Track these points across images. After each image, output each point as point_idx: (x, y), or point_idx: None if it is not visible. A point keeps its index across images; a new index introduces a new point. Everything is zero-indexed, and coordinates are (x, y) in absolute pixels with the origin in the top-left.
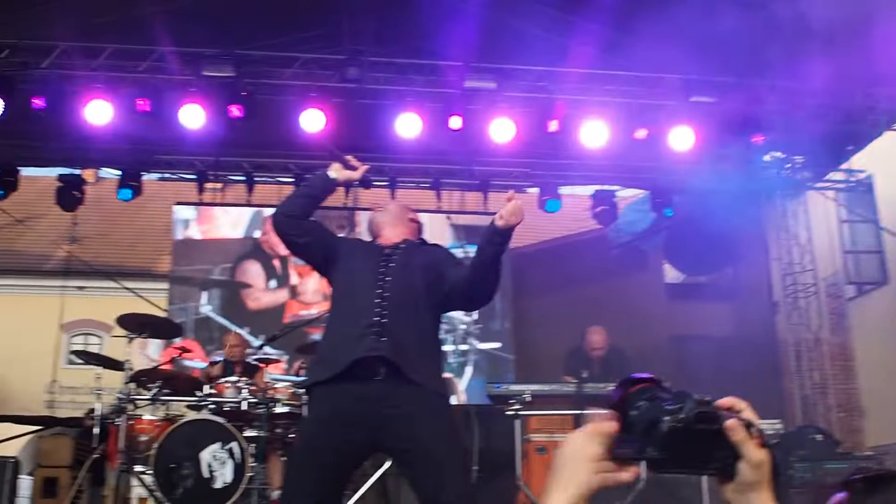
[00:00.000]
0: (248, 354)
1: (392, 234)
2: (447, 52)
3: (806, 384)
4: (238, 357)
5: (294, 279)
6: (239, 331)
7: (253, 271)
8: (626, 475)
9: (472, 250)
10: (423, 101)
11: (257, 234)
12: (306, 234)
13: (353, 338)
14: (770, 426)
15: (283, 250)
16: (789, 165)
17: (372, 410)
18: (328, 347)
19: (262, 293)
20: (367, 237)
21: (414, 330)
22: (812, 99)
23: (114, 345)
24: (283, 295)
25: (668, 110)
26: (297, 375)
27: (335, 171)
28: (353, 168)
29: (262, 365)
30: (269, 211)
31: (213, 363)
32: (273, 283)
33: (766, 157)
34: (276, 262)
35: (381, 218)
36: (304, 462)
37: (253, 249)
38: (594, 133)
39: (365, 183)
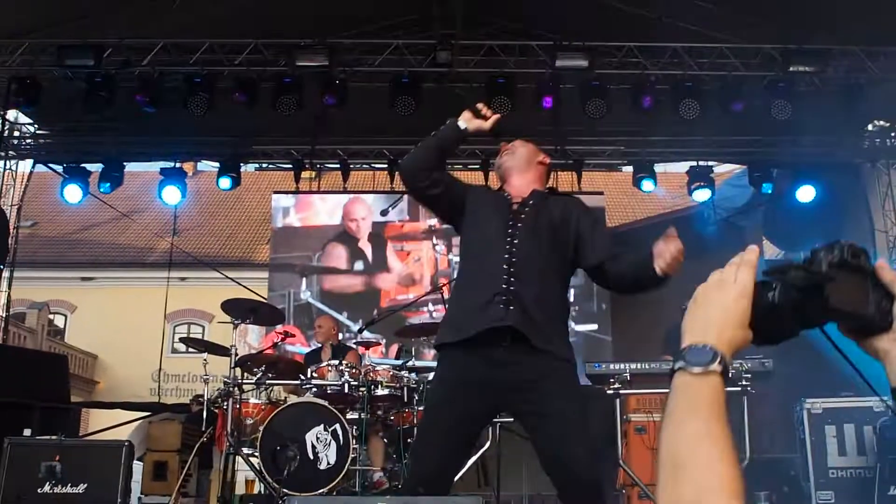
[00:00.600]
0: (346, 339)
1: (520, 182)
2: (537, 32)
3: None
4: (327, 339)
5: (393, 262)
6: (336, 315)
7: (335, 254)
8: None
9: None
10: (514, 82)
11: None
12: (437, 185)
13: (481, 305)
14: (880, 402)
15: (364, 233)
16: (894, 134)
17: (499, 375)
18: (457, 311)
19: (342, 276)
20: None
21: (542, 296)
22: None
23: (215, 333)
24: (366, 279)
25: (767, 82)
26: (397, 359)
27: (465, 121)
28: (485, 117)
29: (355, 347)
30: (363, 197)
31: (312, 351)
32: (359, 264)
33: (870, 126)
34: (362, 245)
35: (509, 162)
36: (430, 424)
37: (338, 234)
38: (689, 108)
39: (496, 133)
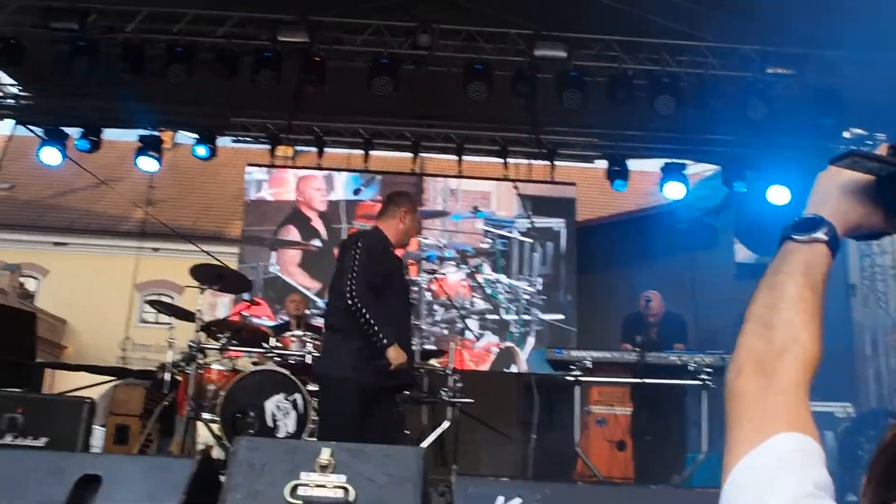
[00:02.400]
0: (313, 315)
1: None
2: (517, 20)
3: (881, 369)
4: (297, 314)
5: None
6: (306, 292)
7: (289, 235)
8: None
9: (538, 220)
10: (491, 69)
11: (331, 196)
12: None
13: None
14: (841, 408)
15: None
16: (871, 143)
17: None
18: None
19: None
20: (435, 205)
21: None
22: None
23: (185, 305)
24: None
25: (744, 82)
26: None
27: (393, 358)
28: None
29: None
30: (339, 175)
31: (276, 325)
32: (316, 241)
33: (846, 134)
34: (316, 224)
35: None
36: None
37: (292, 213)
38: (665, 104)
39: None
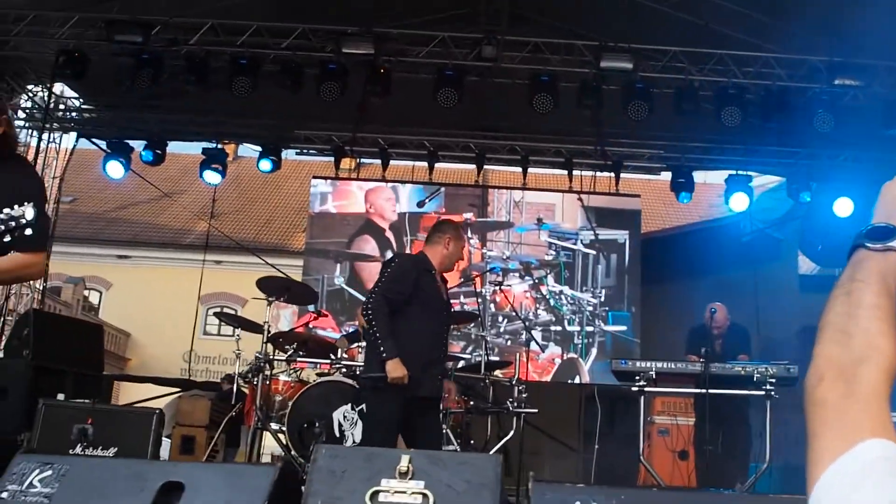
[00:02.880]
0: None
1: None
2: (583, 32)
3: None
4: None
5: None
6: None
7: (364, 246)
8: None
9: (602, 232)
10: (557, 81)
11: (397, 208)
12: None
13: None
14: None
15: (390, 218)
16: None
17: None
18: None
19: (374, 263)
20: (499, 217)
21: None
22: None
23: (248, 317)
24: None
25: (811, 94)
26: None
27: (391, 371)
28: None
29: None
30: (403, 187)
31: (347, 335)
32: (388, 253)
33: None
34: (389, 235)
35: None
36: None
37: (365, 224)
38: (731, 115)
39: None
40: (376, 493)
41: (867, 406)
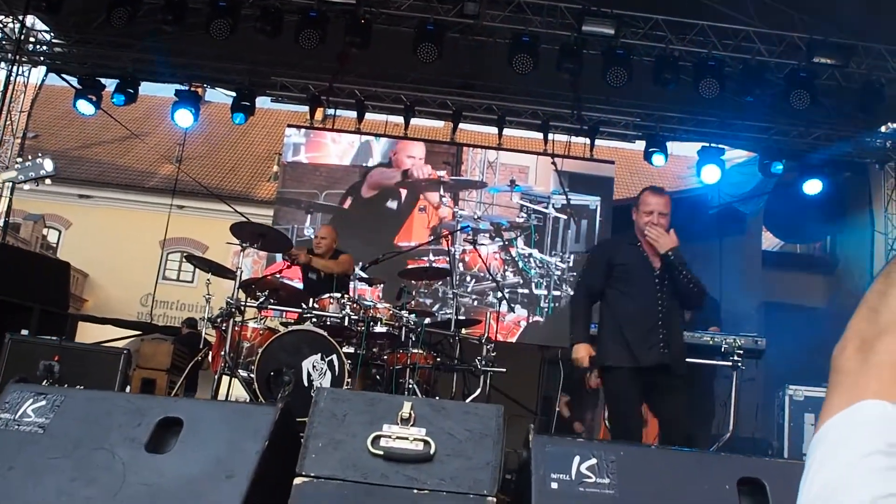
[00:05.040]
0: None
1: None
2: None
3: None
4: (324, 250)
5: None
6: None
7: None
8: None
9: (574, 197)
10: (538, 42)
11: (370, 162)
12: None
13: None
14: None
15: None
16: None
17: None
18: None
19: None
20: (472, 176)
21: None
22: None
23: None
24: None
25: (788, 70)
26: (397, 299)
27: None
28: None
29: (348, 252)
30: (377, 141)
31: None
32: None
33: (883, 128)
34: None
35: None
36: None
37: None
38: (709, 87)
39: None
40: (378, 437)
41: (879, 372)
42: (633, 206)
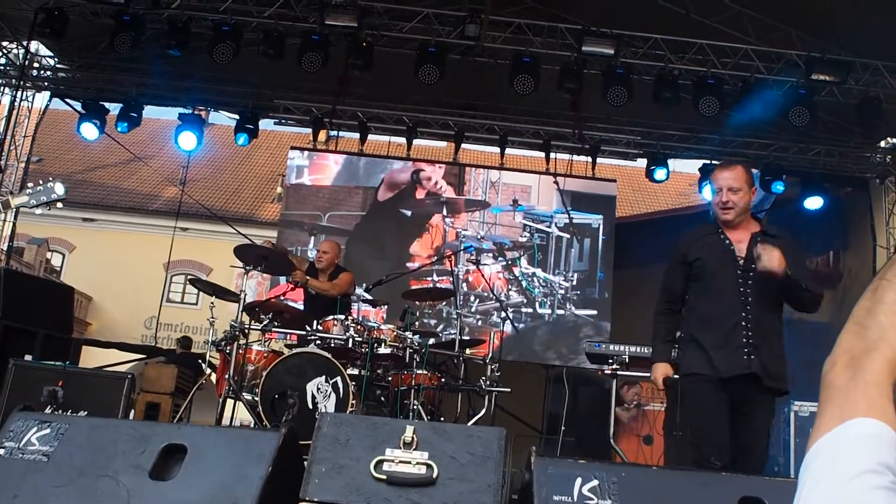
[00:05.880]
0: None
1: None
2: (566, 16)
3: None
4: (325, 264)
5: None
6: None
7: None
8: None
9: (576, 216)
10: (538, 63)
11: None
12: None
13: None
14: None
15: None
16: None
17: None
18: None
19: None
20: (475, 196)
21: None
22: None
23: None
24: None
25: (787, 87)
26: (401, 320)
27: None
28: None
29: (349, 269)
30: (381, 162)
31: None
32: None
33: (882, 143)
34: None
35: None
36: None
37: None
38: (709, 105)
39: None
40: (381, 461)
41: (866, 391)
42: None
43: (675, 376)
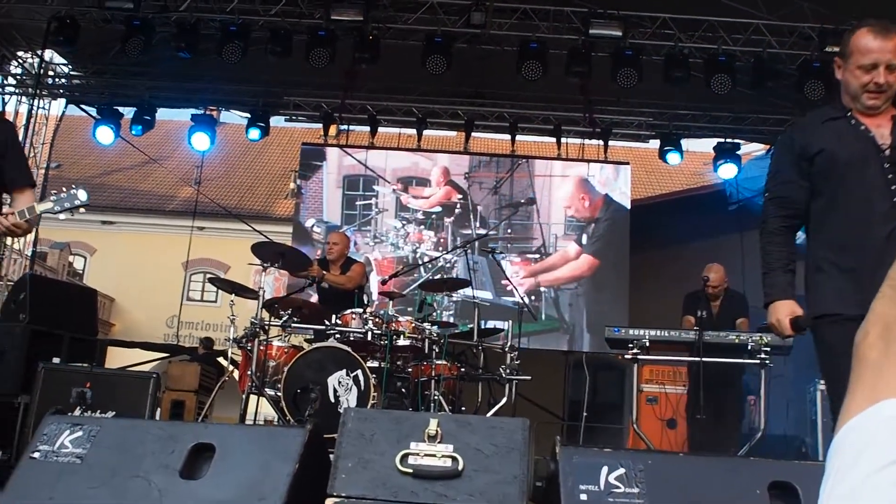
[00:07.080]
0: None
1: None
2: None
3: None
4: (336, 256)
5: None
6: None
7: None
8: None
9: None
10: (546, 48)
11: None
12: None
13: None
14: None
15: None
16: None
17: None
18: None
19: None
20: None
21: None
22: None
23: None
24: None
25: (801, 61)
26: (419, 311)
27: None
28: None
29: (360, 260)
30: (393, 154)
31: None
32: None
33: None
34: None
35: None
36: None
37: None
38: (721, 83)
39: None
40: (406, 455)
41: None
42: (836, 58)
43: (807, 316)
